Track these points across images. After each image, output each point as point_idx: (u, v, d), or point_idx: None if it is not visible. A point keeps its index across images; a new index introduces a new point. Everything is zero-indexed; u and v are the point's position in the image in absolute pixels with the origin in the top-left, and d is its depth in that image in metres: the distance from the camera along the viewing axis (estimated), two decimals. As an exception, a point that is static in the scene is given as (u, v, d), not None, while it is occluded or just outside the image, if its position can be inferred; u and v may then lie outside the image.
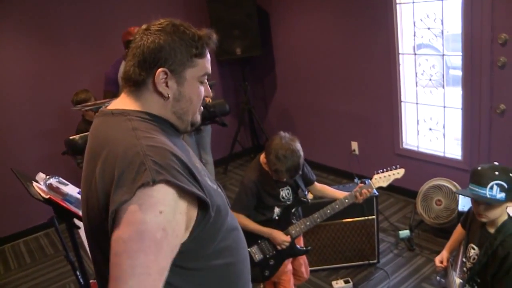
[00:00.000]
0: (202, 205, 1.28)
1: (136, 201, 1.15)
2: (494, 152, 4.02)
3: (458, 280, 2.32)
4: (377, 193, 3.55)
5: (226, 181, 5.85)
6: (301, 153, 2.68)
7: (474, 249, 2.36)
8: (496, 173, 2.18)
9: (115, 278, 1.12)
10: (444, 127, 4.46)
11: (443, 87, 4.36)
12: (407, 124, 4.72)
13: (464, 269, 2.41)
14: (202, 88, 1.44)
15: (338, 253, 3.72)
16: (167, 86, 1.36)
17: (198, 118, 1.49)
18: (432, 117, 4.55)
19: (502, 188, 2.15)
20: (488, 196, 2.17)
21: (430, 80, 4.49)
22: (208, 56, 1.43)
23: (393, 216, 4.53)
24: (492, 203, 2.18)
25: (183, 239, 1.27)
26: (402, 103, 4.64)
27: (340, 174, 5.44)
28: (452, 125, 4.43)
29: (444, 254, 2.59)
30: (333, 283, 3.58)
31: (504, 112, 3.87)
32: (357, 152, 5.22)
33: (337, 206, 2.88)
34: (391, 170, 2.93)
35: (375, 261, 3.76)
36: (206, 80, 1.45)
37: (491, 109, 3.95)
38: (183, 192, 1.21)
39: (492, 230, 2.28)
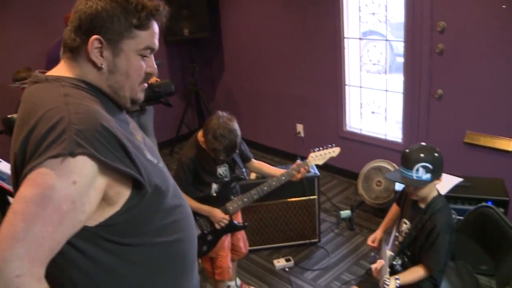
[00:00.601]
0: (136, 181, 1.24)
1: (49, 165, 1.09)
2: (432, 135, 4.17)
3: (389, 253, 2.41)
4: (318, 173, 3.63)
5: (172, 162, 5.82)
6: (239, 132, 2.72)
7: (406, 223, 2.46)
8: (422, 155, 2.27)
9: (4, 239, 1.04)
10: (386, 111, 4.59)
11: (386, 72, 4.48)
12: (351, 107, 4.82)
13: (396, 242, 2.51)
14: (143, 63, 1.34)
15: (280, 232, 3.79)
16: (101, 56, 1.27)
17: (139, 95, 1.39)
18: (375, 101, 4.67)
19: (427, 169, 2.25)
20: (415, 178, 2.26)
21: (374, 64, 4.60)
22: (155, 29, 1.33)
23: (336, 197, 4.64)
24: (419, 185, 2.28)
25: (108, 214, 1.23)
26: (346, 87, 4.73)
27: (285, 156, 5.51)
28: (394, 109, 4.57)
29: (377, 233, 2.68)
30: (275, 261, 3.65)
31: (442, 97, 4.01)
32: (302, 134, 5.29)
33: (274, 183, 2.93)
34: (327, 148, 3.00)
35: (316, 240, 3.85)
36: (150, 56, 1.36)
37: (429, 94, 4.09)
38: (105, 167, 1.16)
39: (423, 206, 2.39)
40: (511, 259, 2.21)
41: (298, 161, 3.00)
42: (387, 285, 2.18)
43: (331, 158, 3.02)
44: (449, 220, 2.34)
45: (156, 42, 1.35)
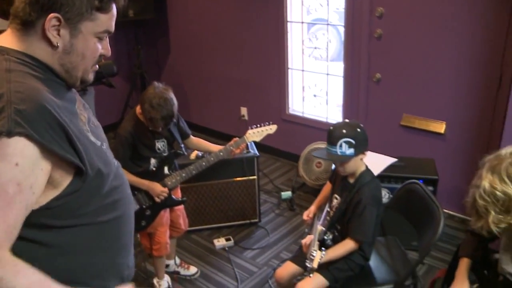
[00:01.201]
0: (76, 166, 1.22)
1: None
2: (371, 117, 4.29)
3: (320, 228, 2.47)
4: (257, 153, 3.67)
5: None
6: (175, 101, 2.76)
7: (337, 198, 2.54)
8: (344, 131, 2.33)
9: None
10: (327, 94, 4.67)
11: (327, 56, 4.56)
12: (294, 91, 4.88)
13: (328, 217, 2.58)
14: (99, 45, 1.31)
15: (221, 212, 3.81)
16: (58, 34, 1.22)
17: (90, 76, 1.36)
18: (316, 84, 4.74)
19: (350, 145, 2.31)
20: (339, 153, 2.32)
21: (315, 48, 4.67)
22: (114, 12, 1.30)
23: (278, 178, 4.70)
24: (344, 160, 2.34)
25: (49, 197, 1.21)
26: (289, 70, 4.78)
27: (229, 139, 5.43)
28: (335, 92, 4.65)
29: (311, 208, 2.75)
30: (215, 241, 3.68)
31: (380, 80, 4.12)
32: (246, 117, 5.32)
33: (212, 158, 2.96)
34: (264, 126, 3.05)
35: (256, 220, 3.90)
36: (106, 38, 1.33)
37: (368, 77, 4.19)
38: (46, 150, 1.13)
39: (352, 181, 2.46)
40: (432, 231, 2.31)
41: (236, 138, 3.03)
42: (313, 257, 2.24)
43: (268, 136, 3.07)
44: (375, 194, 2.41)
45: (113, 25, 1.32)
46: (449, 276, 2.09)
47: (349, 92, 4.35)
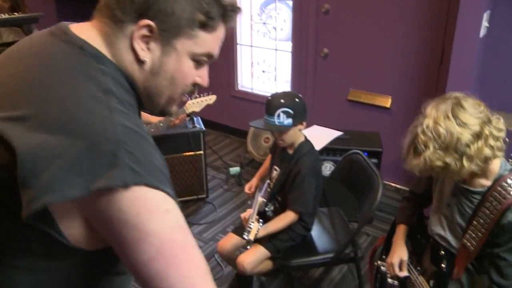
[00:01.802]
0: None
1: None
2: (318, 93, 4.30)
3: (261, 200, 2.47)
4: (203, 128, 3.64)
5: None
6: None
7: (276, 170, 2.53)
8: (282, 101, 2.31)
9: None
10: (275, 70, 4.65)
11: (276, 32, 4.53)
12: (242, 67, 4.84)
13: (268, 189, 2.58)
14: (194, 71, 1.03)
15: (168, 188, 3.76)
16: (147, 48, 0.95)
17: (174, 107, 1.09)
18: (265, 60, 4.72)
19: (288, 114, 2.29)
20: (277, 123, 2.30)
21: (264, 24, 4.63)
22: (220, 33, 1.03)
23: (227, 155, 4.68)
24: (282, 130, 2.33)
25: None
26: (238, 46, 4.73)
27: (180, 116, 5.45)
28: (283, 68, 4.64)
29: (253, 181, 2.74)
30: (161, 217, 3.62)
31: (327, 55, 4.13)
32: (195, 94, 5.25)
33: (152, 129, 2.91)
34: (203, 96, 3.04)
35: (204, 195, 3.87)
36: (205, 64, 1.05)
37: (316, 53, 4.19)
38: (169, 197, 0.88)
39: (291, 152, 2.46)
40: (371, 199, 2.33)
41: None
42: (250, 229, 2.24)
43: (218, 112, 3.05)
44: (314, 164, 2.42)
45: (218, 49, 1.05)
46: (388, 244, 2.11)
47: (297, 67, 4.34)
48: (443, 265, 1.74)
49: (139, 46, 0.94)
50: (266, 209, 2.54)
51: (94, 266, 0.96)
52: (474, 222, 1.61)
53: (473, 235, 1.61)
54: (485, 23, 3.16)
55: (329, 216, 2.83)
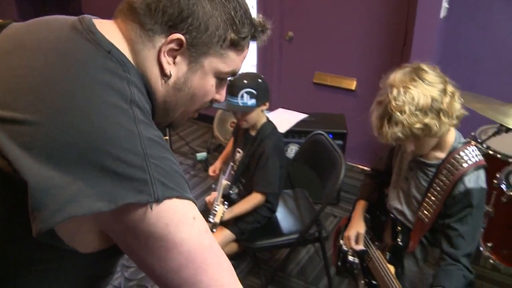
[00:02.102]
0: None
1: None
2: (284, 76, 4.30)
3: (225, 182, 2.46)
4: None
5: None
6: None
7: (239, 152, 2.52)
8: (245, 81, 2.30)
9: None
10: (241, 54, 4.63)
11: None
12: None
13: (232, 172, 2.57)
14: (215, 89, 0.99)
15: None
16: (174, 62, 0.90)
17: (181, 122, 1.05)
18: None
19: (251, 95, 2.28)
20: (241, 104, 2.29)
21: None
22: (246, 52, 1.00)
23: (194, 141, 4.66)
24: (246, 110, 2.32)
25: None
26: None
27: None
28: (249, 52, 4.60)
29: (217, 164, 2.73)
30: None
31: (292, 39, 4.12)
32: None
33: None
34: None
35: (170, 182, 3.84)
36: (225, 81, 1.03)
37: (281, 36, 4.17)
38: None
39: (253, 133, 2.45)
40: (334, 179, 2.35)
41: None
42: (216, 211, 2.23)
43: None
44: (277, 145, 2.42)
45: (241, 67, 1.02)
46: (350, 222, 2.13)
47: (262, 51, 4.33)
48: (399, 240, 1.76)
49: (166, 59, 0.89)
50: (231, 192, 2.53)
51: (83, 268, 0.93)
52: (429, 194, 1.63)
53: (428, 207, 1.64)
54: (445, 4, 3.20)
55: (294, 198, 2.84)
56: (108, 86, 0.79)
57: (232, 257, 2.87)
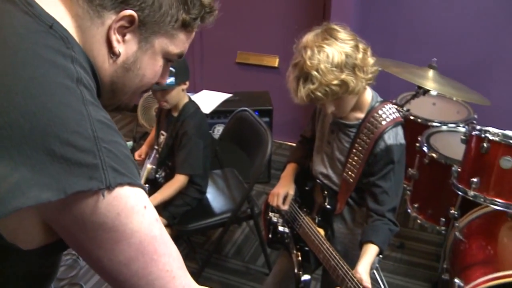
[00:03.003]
0: None
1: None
2: (207, 57, 4.26)
3: (149, 167, 2.39)
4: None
5: None
6: None
7: (163, 135, 2.45)
8: None
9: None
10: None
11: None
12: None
13: (157, 155, 2.50)
14: (161, 70, 0.95)
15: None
16: (123, 39, 0.84)
17: (128, 106, 0.99)
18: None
19: (170, 73, 2.22)
20: None
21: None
22: (193, 34, 0.96)
23: (120, 130, 4.28)
24: (164, 88, 2.25)
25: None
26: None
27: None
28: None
29: (142, 148, 2.66)
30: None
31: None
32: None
33: None
34: None
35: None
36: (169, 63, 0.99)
37: (199, 17, 4.10)
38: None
39: (176, 114, 2.39)
40: (262, 154, 2.33)
41: None
42: None
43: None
44: (200, 124, 2.36)
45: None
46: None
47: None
48: (326, 203, 1.77)
49: (116, 37, 0.82)
50: (157, 176, 2.47)
51: (24, 266, 0.84)
52: (352, 155, 1.65)
53: (352, 167, 1.66)
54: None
55: (223, 177, 2.81)
56: (51, 63, 0.71)
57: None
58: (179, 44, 0.92)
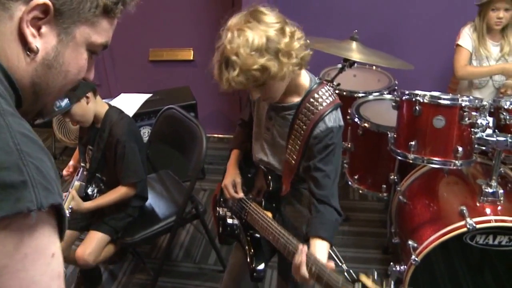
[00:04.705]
0: None
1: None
2: (117, 59, 4.08)
3: (77, 184, 2.23)
4: None
5: None
6: None
7: (91, 150, 2.30)
8: None
9: None
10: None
11: None
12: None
13: (85, 172, 2.35)
14: (87, 64, 0.85)
15: None
16: (38, 33, 0.74)
17: (51, 110, 0.90)
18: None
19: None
20: (56, 109, 2.07)
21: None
22: (116, 22, 0.88)
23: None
24: (62, 112, 2.12)
25: None
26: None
27: None
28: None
29: (70, 164, 2.49)
30: None
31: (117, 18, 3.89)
32: None
33: None
34: None
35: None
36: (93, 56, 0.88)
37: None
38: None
39: (99, 125, 2.25)
40: (197, 151, 2.26)
41: None
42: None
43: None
44: (129, 129, 2.23)
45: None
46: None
47: (88, 38, 4.04)
48: (271, 188, 1.75)
49: (30, 31, 0.72)
50: (89, 192, 2.33)
51: None
52: (292, 136, 1.62)
53: (292, 149, 1.64)
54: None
55: (159, 181, 2.71)
56: None
57: (111, 261, 2.69)
58: (102, 32, 0.84)
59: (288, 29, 1.45)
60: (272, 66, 1.39)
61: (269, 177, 1.77)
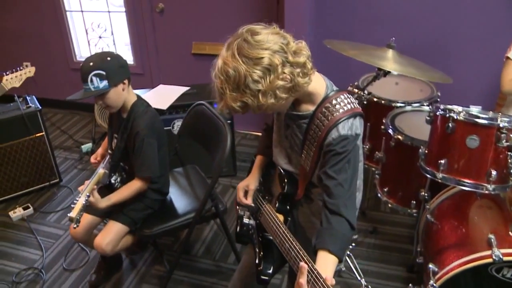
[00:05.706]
0: None
1: None
2: (161, 51, 4.10)
3: (102, 171, 2.24)
4: (39, 107, 3.30)
5: None
6: None
7: (116, 138, 2.32)
8: (91, 64, 2.07)
9: None
10: (112, 34, 4.34)
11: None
12: (78, 36, 4.46)
13: (110, 160, 2.37)
14: None
15: (13, 181, 3.38)
16: None
17: None
18: (100, 24, 4.37)
19: (101, 77, 2.07)
20: (92, 89, 2.08)
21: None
22: None
23: (78, 132, 4.36)
24: (99, 94, 2.11)
25: None
26: (68, 13, 4.33)
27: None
28: (120, 30, 4.33)
29: (98, 151, 2.53)
30: (10, 213, 3.25)
31: (163, 11, 3.91)
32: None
33: None
34: (21, 69, 2.91)
35: (56, 180, 3.56)
36: None
37: (151, 9, 3.95)
38: None
39: (125, 115, 2.26)
40: (221, 148, 2.23)
41: None
42: (74, 205, 2.04)
43: (29, 79, 2.96)
44: (151, 124, 2.22)
45: None
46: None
47: (135, 27, 4.08)
48: (285, 190, 1.72)
49: None
50: (112, 180, 2.34)
51: None
52: (307, 142, 1.57)
53: (307, 154, 1.59)
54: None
55: (185, 175, 2.70)
56: None
57: (132, 251, 2.70)
58: None
59: (276, 61, 1.36)
60: (251, 103, 1.36)
61: (285, 179, 1.73)
